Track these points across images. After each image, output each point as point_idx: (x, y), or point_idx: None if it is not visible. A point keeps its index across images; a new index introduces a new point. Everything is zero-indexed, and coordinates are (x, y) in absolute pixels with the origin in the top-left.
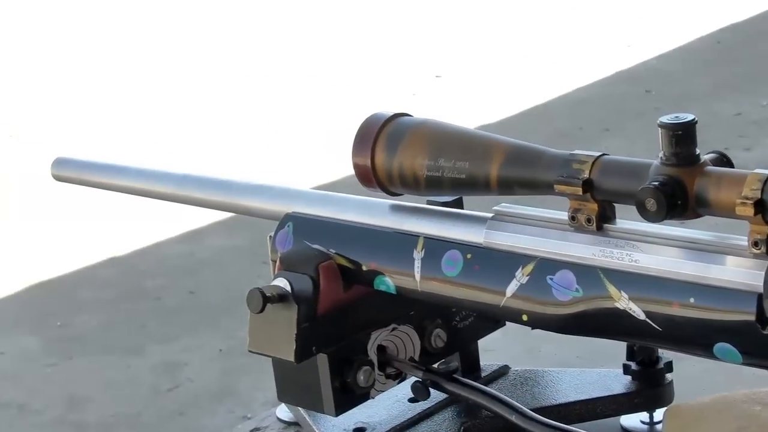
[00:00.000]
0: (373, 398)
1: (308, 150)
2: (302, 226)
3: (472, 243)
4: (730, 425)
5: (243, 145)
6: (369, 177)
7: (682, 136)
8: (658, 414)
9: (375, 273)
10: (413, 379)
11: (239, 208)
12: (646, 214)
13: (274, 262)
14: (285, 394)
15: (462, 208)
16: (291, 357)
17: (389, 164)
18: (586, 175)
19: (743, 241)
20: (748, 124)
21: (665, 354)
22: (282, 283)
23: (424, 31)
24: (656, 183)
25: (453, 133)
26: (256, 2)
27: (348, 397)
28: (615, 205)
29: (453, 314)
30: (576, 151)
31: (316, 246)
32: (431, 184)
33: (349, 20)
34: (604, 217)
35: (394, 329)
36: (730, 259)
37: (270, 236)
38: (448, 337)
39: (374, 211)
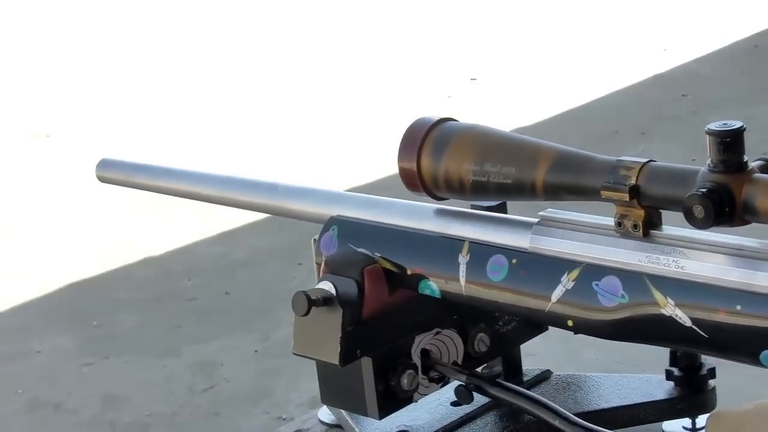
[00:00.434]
0: (416, 402)
1: (343, 152)
2: (347, 229)
3: (518, 248)
4: None
5: (280, 148)
6: (415, 181)
7: (730, 143)
8: (701, 420)
9: (420, 277)
10: (455, 382)
11: (284, 211)
12: (693, 221)
13: (319, 265)
14: (329, 397)
15: (505, 212)
16: (336, 360)
17: (435, 169)
18: (633, 181)
19: None
20: None
21: (708, 360)
22: (327, 286)
23: (460, 33)
24: (704, 190)
25: (499, 138)
26: (295, 5)
27: (392, 400)
28: (661, 211)
29: (496, 318)
30: (623, 158)
31: (361, 250)
32: (477, 189)
33: (385, 23)
34: (651, 224)
35: (437, 333)
36: None
37: (314, 239)
38: (491, 341)
39: (419, 215)
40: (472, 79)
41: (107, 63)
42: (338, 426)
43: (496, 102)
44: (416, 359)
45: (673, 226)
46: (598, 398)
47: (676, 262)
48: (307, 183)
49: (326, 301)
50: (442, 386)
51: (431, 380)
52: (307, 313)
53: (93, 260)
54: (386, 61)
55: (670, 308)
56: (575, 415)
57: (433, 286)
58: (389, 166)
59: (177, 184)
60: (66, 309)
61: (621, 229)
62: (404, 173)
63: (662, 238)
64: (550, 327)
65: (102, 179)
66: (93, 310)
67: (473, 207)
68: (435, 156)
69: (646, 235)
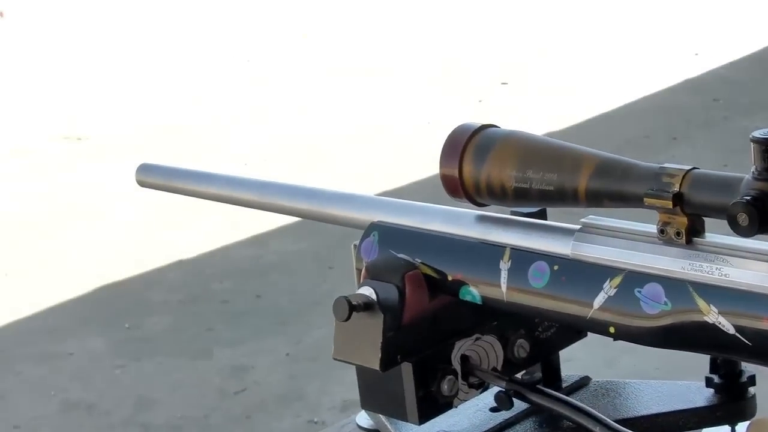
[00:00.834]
0: (455, 407)
1: (373, 158)
2: (388, 235)
3: (560, 254)
4: None
5: (320, 153)
6: (456, 187)
7: None
8: (740, 428)
9: (460, 283)
10: (494, 388)
11: (324, 217)
12: (737, 229)
13: (359, 270)
14: (368, 402)
15: (545, 219)
16: (376, 365)
17: (477, 175)
18: (676, 188)
19: None
20: None
21: (748, 367)
22: (368, 291)
23: (491, 38)
24: (748, 197)
25: (541, 144)
26: (331, 14)
27: (431, 406)
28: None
29: (536, 325)
30: (666, 165)
31: (401, 255)
32: (519, 196)
33: (418, 27)
34: (694, 231)
35: (477, 339)
36: None
37: (354, 245)
38: (531, 347)
39: (460, 221)
40: (502, 84)
41: (130, 64)
42: (376, 431)
43: (526, 106)
44: (456, 365)
45: (717, 233)
46: (638, 405)
47: (719, 269)
48: (348, 189)
49: (367, 306)
50: (482, 392)
51: (471, 386)
52: (348, 318)
53: (126, 262)
54: (420, 65)
55: (713, 316)
56: (614, 421)
57: (474, 292)
58: (418, 171)
59: (216, 188)
60: (99, 311)
61: (664, 236)
62: (446, 180)
63: (705, 246)
64: (588, 333)
65: (142, 183)
66: (125, 312)
67: (513, 213)
68: (477, 162)
69: (689, 243)
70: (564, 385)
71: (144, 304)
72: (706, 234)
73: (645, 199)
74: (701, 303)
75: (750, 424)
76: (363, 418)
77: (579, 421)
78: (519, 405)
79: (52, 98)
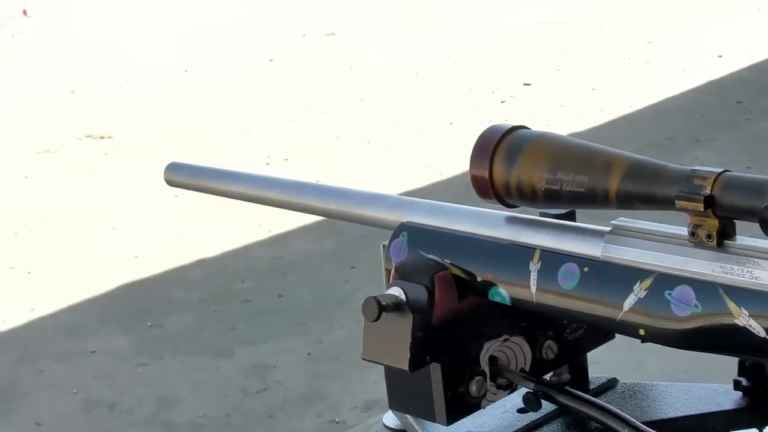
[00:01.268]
0: (483, 408)
1: (398, 156)
2: (417, 236)
3: (590, 256)
4: None
5: (342, 152)
6: (487, 189)
7: None
8: None
9: (490, 284)
10: (523, 390)
11: (353, 217)
12: None
13: (388, 271)
14: (396, 403)
15: (575, 220)
16: (405, 366)
17: (507, 177)
18: (707, 191)
19: None
20: None
21: None
22: (397, 292)
23: (514, 39)
24: None
25: (572, 146)
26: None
27: (460, 406)
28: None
29: (564, 326)
30: (697, 167)
31: (431, 256)
32: (549, 197)
33: (441, 27)
34: (725, 234)
35: (506, 340)
36: None
37: (383, 245)
38: (559, 348)
39: (489, 222)
40: (525, 85)
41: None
42: (403, 431)
43: (549, 107)
44: (484, 366)
45: (748, 236)
46: (665, 407)
47: (750, 272)
48: (377, 189)
49: (396, 306)
50: (510, 393)
51: (499, 387)
52: (377, 319)
53: (148, 261)
54: (442, 66)
55: (744, 318)
56: (642, 423)
57: (503, 293)
58: (441, 171)
59: (245, 188)
60: (121, 309)
61: (695, 239)
62: (476, 181)
63: (736, 249)
64: (616, 335)
65: (170, 183)
66: (148, 311)
67: (542, 215)
68: (507, 164)
69: (720, 246)
70: (591, 386)
71: (166, 302)
72: (737, 237)
73: (676, 202)
74: (732, 306)
75: None
76: (390, 418)
77: (607, 423)
78: (547, 406)
79: (74, 97)
